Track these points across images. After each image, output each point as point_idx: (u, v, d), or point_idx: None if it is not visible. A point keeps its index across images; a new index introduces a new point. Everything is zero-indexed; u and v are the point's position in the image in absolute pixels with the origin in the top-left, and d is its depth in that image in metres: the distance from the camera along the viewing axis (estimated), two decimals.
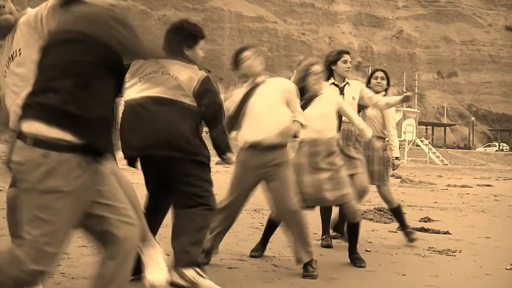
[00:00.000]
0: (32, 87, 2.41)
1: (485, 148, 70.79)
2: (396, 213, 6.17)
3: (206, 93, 3.68)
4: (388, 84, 6.21)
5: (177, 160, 3.64)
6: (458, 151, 58.25)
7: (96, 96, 2.39)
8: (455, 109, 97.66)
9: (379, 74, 6.20)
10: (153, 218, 3.91)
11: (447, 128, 75.79)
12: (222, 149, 3.78)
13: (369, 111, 6.09)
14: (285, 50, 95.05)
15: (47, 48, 2.46)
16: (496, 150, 65.00)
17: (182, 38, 3.79)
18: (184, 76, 3.68)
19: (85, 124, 2.32)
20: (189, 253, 3.63)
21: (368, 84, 6.17)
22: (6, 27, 3.22)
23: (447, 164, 44.69)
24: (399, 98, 5.85)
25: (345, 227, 6.37)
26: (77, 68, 2.36)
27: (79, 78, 2.35)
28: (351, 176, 5.31)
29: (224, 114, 3.80)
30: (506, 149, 68.31)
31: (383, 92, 6.11)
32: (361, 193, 5.51)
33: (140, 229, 2.62)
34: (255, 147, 4.33)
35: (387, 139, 6.11)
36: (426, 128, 70.80)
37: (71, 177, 2.31)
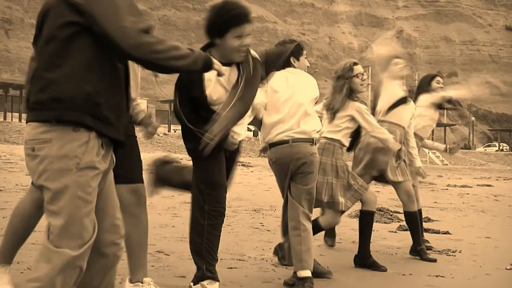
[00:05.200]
0: (36, 78, 2.21)
1: (485, 148, 70.69)
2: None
3: None
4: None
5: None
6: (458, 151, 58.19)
7: (108, 78, 2.24)
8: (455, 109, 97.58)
9: (441, 79, 6.08)
10: None
11: (447, 128, 75.69)
12: None
13: None
14: None
15: (38, 34, 2.27)
16: (496, 150, 64.91)
17: (207, 33, 3.43)
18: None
19: (100, 106, 2.20)
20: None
21: (428, 86, 5.97)
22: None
23: (447, 164, 44.64)
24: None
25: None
26: (76, 41, 2.16)
27: (82, 55, 2.18)
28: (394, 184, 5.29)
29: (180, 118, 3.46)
30: (506, 149, 68.20)
31: None
32: (408, 199, 5.34)
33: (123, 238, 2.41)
34: None
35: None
36: None
37: (101, 156, 2.22)
